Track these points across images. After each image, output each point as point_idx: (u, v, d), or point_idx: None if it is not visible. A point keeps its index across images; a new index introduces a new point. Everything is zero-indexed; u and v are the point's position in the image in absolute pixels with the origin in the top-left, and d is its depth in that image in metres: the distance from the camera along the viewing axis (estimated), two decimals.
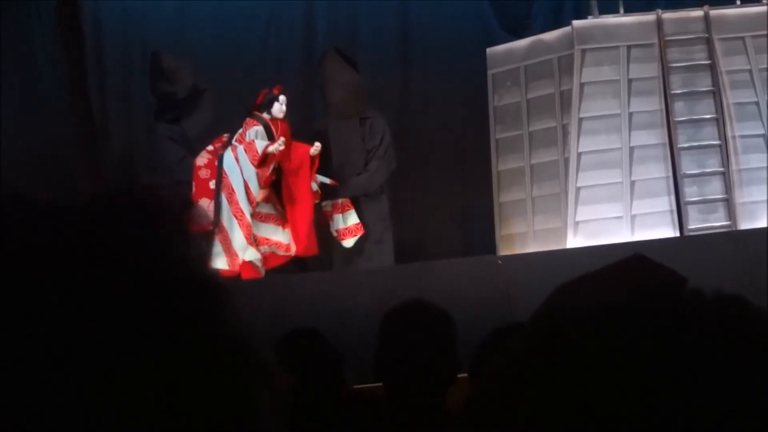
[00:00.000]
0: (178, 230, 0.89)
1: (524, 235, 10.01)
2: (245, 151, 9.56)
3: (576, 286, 0.97)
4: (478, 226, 10.86)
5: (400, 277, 8.34)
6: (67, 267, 0.83)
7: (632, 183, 9.65)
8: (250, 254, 9.47)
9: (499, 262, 8.85)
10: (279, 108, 9.76)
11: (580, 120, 9.73)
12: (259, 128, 9.70)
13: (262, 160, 9.51)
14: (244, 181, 9.47)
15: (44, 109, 10.94)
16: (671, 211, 9.63)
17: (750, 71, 9.78)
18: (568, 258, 8.47)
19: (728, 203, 9.65)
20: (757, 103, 9.76)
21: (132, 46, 11.45)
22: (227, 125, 9.97)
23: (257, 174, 9.51)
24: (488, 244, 10.17)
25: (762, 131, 9.73)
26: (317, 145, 9.73)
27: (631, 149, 9.69)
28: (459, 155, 11.51)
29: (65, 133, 11.04)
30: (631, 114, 9.74)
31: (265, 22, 11.66)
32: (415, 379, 3.70)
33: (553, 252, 9.19)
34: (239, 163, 9.50)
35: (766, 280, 6.55)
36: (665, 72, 9.78)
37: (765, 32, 9.77)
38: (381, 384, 3.95)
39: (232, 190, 9.47)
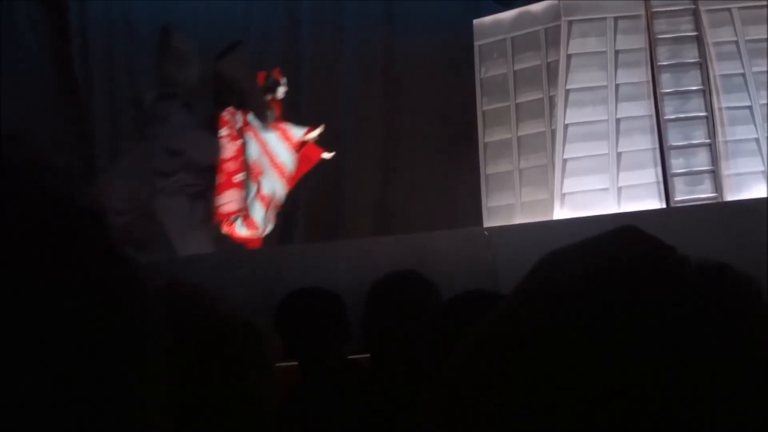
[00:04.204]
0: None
1: (511, 207, 10.01)
2: (281, 138, 9.73)
3: (565, 255, 0.96)
4: (465, 198, 10.86)
5: (388, 249, 8.34)
6: None
7: (619, 155, 9.66)
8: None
9: (486, 233, 8.85)
10: (282, 91, 10.00)
11: (567, 92, 9.72)
12: (270, 112, 9.94)
13: (300, 146, 9.91)
14: (278, 166, 9.68)
15: (27, 78, 10.88)
16: (657, 183, 9.64)
17: (736, 43, 9.77)
18: (555, 229, 8.47)
19: (714, 175, 9.66)
20: (743, 75, 9.76)
21: (114, 15, 11.39)
22: None
23: (294, 159, 9.86)
24: (475, 215, 10.18)
25: (748, 103, 9.74)
26: (332, 154, 10.10)
27: (618, 121, 9.69)
28: (445, 127, 11.50)
29: (48, 103, 10.98)
30: (617, 86, 9.74)
31: None
32: (402, 349, 3.71)
33: (540, 223, 9.20)
34: (270, 150, 9.67)
35: (751, 251, 6.56)
36: (652, 44, 9.78)
37: (751, 3, 9.77)
38: (368, 354, 3.95)
39: (260, 178, 9.67)
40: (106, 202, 9.65)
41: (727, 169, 9.66)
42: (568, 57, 9.76)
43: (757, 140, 9.69)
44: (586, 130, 9.68)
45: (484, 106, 10.35)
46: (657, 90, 9.72)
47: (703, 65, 9.76)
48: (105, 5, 11.33)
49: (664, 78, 9.76)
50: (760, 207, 8.37)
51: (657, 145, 9.68)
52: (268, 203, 9.75)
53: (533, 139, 9.96)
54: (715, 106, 9.72)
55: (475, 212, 10.24)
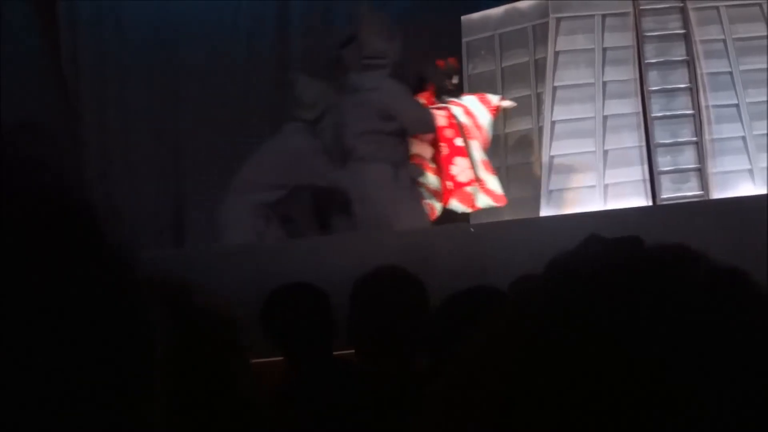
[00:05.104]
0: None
1: None
2: (480, 102, 9.70)
3: (543, 284, 0.95)
4: None
5: (373, 245, 8.34)
6: None
7: (605, 152, 9.67)
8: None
9: (472, 230, 8.85)
10: (457, 79, 10.01)
11: (555, 89, 9.73)
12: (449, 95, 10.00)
13: (496, 111, 9.86)
14: (480, 128, 9.69)
15: (15, 71, 10.84)
16: (644, 181, 9.65)
17: (724, 41, 9.79)
18: (541, 226, 8.48)
19: (701, 173, 9.68)
20: (730, 73, 9.78)
21: (103, 12, 11.37)
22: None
23: (492, 123, 9.80)
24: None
25: (735, 101, 9.75)
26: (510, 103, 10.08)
27: (605, 118, 9.70)
28: None
29: (37, 97, 10.95)
30: (605, 83, 9.75)
31: None
32: (386, 344, 3.71)
33: (527, 220, 9.20)
34: (474, 114, 9.61)
35: (737, 248, 6.57)
36: (640, 41, 9.79)
37: (739, 2, 9.80)
38: (353, 350, 3.95)
39: (471, 142, 9.66)
40: (256, 176, 9.49)
41: (713, 167, 9.68)
42: (556, 54, 9.76)
43: (743, 138, 9.71)
44: (573, 127, 9.69)
45: None
46: (644, 87, 9.73)
47: (690, 63, 9.78)
48: (95, 4, 11.31)
49: (652, 76, 9.77)
50: (746, 205, 8.39)
51: (644, 143, 9.69)
52: (491, 168, 9.67)
53: (521, 136, 9.96)
54: (702, 104, 9.73)
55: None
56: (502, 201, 9.55)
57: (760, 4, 9.82)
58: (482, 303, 3.53)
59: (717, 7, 9.81)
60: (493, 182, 9.58)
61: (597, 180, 9.64)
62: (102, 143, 11.32)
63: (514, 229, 8.60)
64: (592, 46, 9.77)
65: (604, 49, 9.77)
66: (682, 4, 9.83)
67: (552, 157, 9.65)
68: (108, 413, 0.81)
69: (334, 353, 4.40)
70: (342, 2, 11.66)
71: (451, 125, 9.62)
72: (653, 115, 9.72)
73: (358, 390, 3.67)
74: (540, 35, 9.88)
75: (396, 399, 3.34)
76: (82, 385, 0.80)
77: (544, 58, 9.78)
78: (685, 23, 9.80)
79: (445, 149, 9.58)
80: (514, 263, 6.37)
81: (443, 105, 9.71)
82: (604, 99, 9.72)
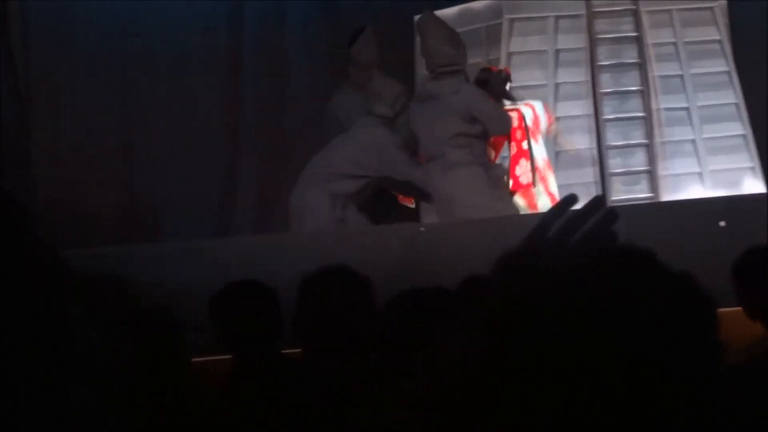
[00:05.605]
0: None
1: None
2: (544, 109, 9.57)
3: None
4: None
5: (321, 244, 8.32)
6: None
7: (557, 153, 9.70)
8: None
9: (422, 229, 8.85)
10: (510, 84, 9.81)
11: None
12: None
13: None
14: (541, 130, 9.57)
15: None
16: (595, 182, 9.69)
17: (675, 44, 9.86)
18: (491, 227, 8.49)
19: (651, 175, 9.74)
20: (681, 76, 9.85)
21: (55, 11, 11.30)
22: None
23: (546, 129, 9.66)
24: (413, 212, 10.17)
25: (685, 104, 9.82)
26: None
27: (557, 120, 9.73)
28: None
29: None
30: (557, 84, 9.79)
31: None
32: (331, 343, 3.71)
33: (476, 220, 9.21)
34: (540, 118, 9.52)
35: (685, 250, 6.63)
36: (592, 43, 9.83)
37: (690, 5, 9.88)
38: (300, 349, 3.94)
39: (537, 142, 9.51)
40: (334, 166, 9.36)
41: (663, 169, 9.74)
42: (509, 55, 9.79)
43: (693, 141, 9.78)
44: None
45: None
46: (596, 90, 9.78)
47: (642, 66, 9.83)
48: (47, 5, 11.22)
49: (604, 78, 9.82)
50: (696, 207, 8.45)
51: (595, 145, 9.74)
52: (551, 167, 9.52)
53: None
54: (653, 106, 9.79)
55: (412, 208, 10.24)
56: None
57: (711, 8, 9.91)
58: (430, 303, 3.53)
59: (669, 11, 9.88)
60: (553, 183, 9.53)
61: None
62: (52, 140, 11.23)
63: (464, 229, 8.60)
64: (546, 48, 9.80)
65: (557, 51, 9.81)
66: (634, 7, 9.89)
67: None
68: (41, 411, 0.79)
69: (284, 351, 4.39)
70: (297, 1, 11.64)
71: (520, 127, 9.57)
72: (605, 117, 9.77)
73: (305, 388, 3.66)
74: (493, 36, 9.90)
75: (342, 397, 3.33)
76: (15, 383, 0.78)
77: (497, 59, 9.80)
78: (638, 26, 9.86)
79: (513, 149, 9.53)
80: (464, 263, 6.37)
81: (514, 107, 9.62)
82: (556, 101, 9.76)
